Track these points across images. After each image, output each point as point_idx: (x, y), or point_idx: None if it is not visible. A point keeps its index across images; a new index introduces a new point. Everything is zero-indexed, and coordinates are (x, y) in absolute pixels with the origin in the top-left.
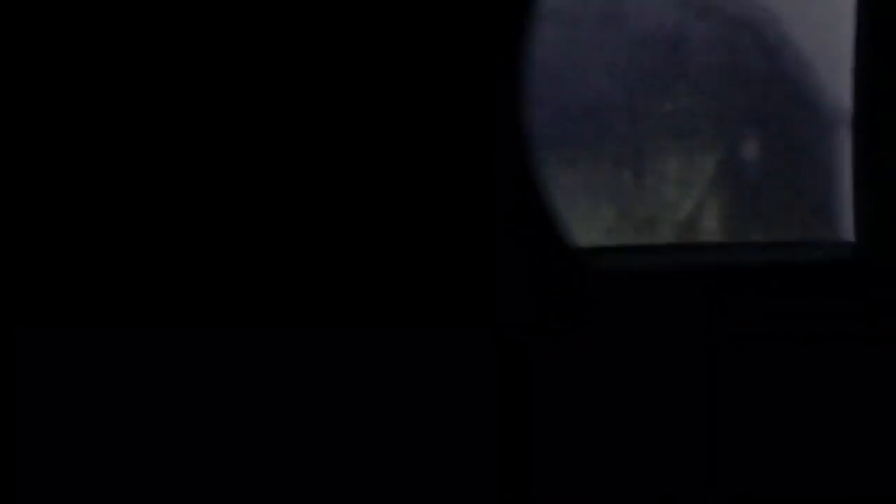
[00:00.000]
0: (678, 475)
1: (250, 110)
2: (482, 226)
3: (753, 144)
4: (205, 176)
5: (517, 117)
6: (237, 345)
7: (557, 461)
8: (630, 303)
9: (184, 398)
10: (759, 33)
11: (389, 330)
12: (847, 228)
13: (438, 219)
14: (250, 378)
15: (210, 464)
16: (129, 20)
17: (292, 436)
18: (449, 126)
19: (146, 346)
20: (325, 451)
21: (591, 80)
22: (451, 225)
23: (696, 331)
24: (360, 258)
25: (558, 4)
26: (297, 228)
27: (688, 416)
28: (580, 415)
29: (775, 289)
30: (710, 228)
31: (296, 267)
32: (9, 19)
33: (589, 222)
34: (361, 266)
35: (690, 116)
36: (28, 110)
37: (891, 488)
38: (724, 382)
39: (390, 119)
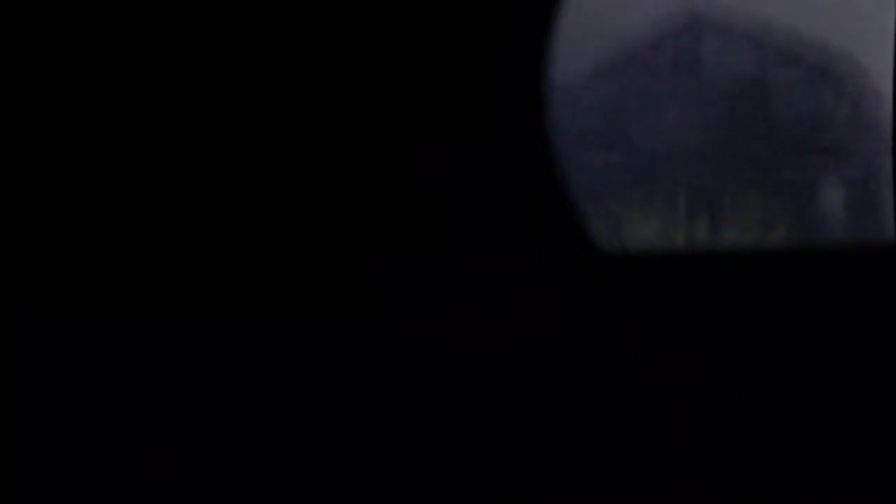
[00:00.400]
0: (684, 477)
1: (244, 98)
2: (497, 224)
3: (835, 193)
4: (201, 170)
5: (536, 117)
6: (235, 334)
7: (558, 462)
8: (646, 297)
9: (181, 386)
10: (843, 83)
11: (390, 322)
12: None
13: (451, 218)
14: (249, 369)
15: (206, 453)
16: (129, 20)
17: (291, 433)
18: (461, 127)
19: (144, 335)
20: (324, 450)
21: (666, 126)
22: (461, 225)
23: (722, 330)
24: (367, 254)
25: (633, 51)
26: (300, 221)
27: (699, 418)
28: (584, 414)
29: (808, 284)
30: None
31: (300, 257)
32: (9, 19)
33: None
34: (368, 261)
35: (770, 164)
36: (28, 109)
37: None
38: (749, 383)
39: (395, 118)
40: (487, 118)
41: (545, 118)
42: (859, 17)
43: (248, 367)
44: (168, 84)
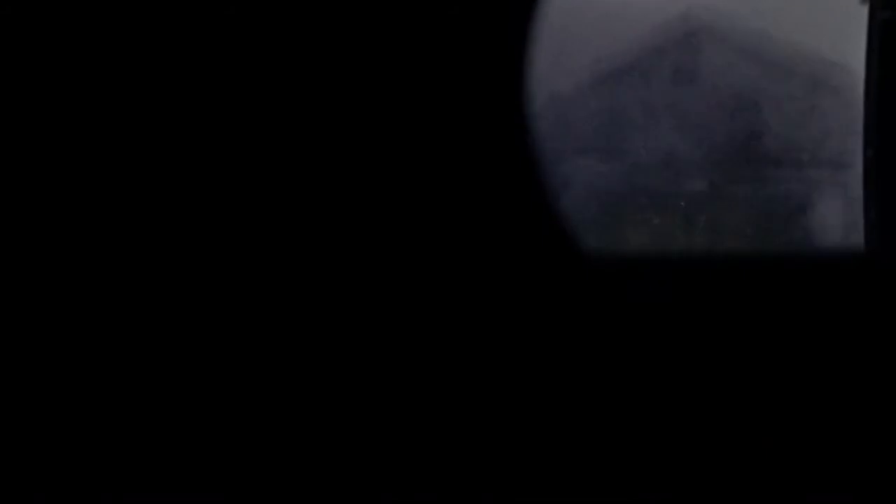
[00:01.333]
0: (680, 480)
1: (245, 105)
2: (488, 227)
3: (832, 199)
4: (205, 173)
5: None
6: (242, 334)
7: (559, 462)
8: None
9: (180, 388)
10: (839, 94)
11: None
12: None
13: (446, 220)
14: (253, 368)
15: (209, 455)
16: (129, 20)
17: (291, 430)
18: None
19: (144, 336)
20: (321, 445)
21: (664, 136)
22: (457, 226)
23: (693, 331)
24: (375, 258)
25: (632, 60)
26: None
27: (692, 420)
28: (585, 414)
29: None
30: None
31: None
32: (9, 19)
33: None
34: (378, 265)
35: (766, 174)
36: (28, 109)
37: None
38: (724, 385)
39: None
40: (472, 116)
41: (529, 117)
42: (856, 30)
43: (249, 369)
44: (169, 86)
